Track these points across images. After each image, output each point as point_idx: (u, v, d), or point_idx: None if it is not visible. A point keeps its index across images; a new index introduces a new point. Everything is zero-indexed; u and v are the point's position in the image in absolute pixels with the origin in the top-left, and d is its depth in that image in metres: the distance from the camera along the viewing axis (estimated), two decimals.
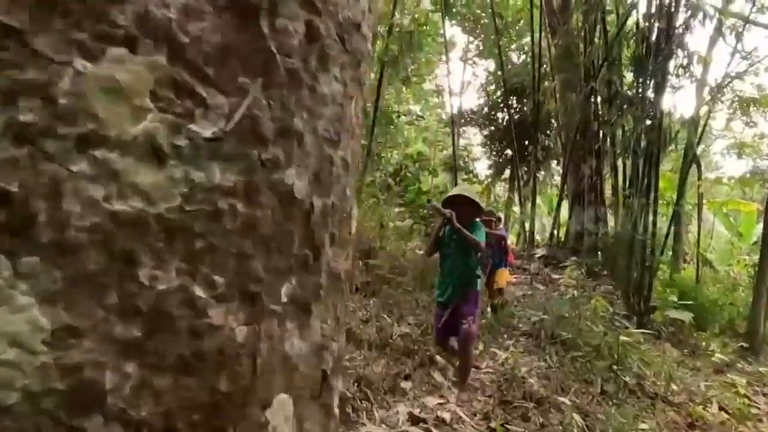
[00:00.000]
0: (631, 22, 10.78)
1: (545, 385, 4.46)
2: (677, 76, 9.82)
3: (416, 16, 10.02)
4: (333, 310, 0.77)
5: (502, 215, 13.42)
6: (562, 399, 4.28)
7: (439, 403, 3.75)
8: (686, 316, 5.75)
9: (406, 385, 3.91)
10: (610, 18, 11.50)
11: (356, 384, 3.51)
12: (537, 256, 11.53)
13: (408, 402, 3.68)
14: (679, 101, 54.22)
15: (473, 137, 23.96)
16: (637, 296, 9.10)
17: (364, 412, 3.32)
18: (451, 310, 3.91)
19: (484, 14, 17.78)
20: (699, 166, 12.39)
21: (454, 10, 15.84)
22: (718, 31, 11.74)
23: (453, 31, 22.58)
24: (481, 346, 5.68)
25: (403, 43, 7.96)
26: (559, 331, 5.90)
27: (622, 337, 5.40)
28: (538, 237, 15.48)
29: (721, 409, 5.12)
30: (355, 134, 0.82)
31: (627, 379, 5.15)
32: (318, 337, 0.73)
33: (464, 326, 3.84)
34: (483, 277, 4.72)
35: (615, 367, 5.18)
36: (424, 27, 11.65)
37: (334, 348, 0.77)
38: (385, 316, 5.04)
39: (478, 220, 3.97)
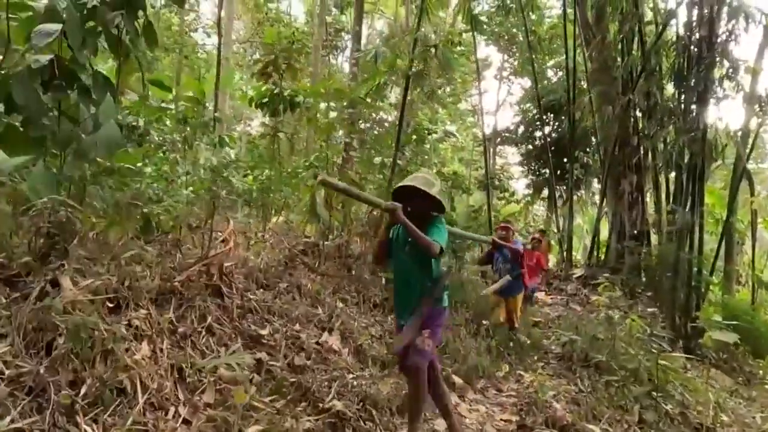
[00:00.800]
0: (670, 31, 10.36)
1: (573, 411, 4.11)
2: (721, 86, 9.31)
3: (449, 36, 9.93)
4: None
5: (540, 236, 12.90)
6: (591, 427, 3.93)
7: None
8: (731, 338, 5.25)
9: None
10: (648, 28, 11.09)
11: (360, 403, 3.29)
12: (575, 276, 11.02)
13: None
14: (726, 113, 50.75)
15: (511, 156, 23.61)
16: (684, 318, 8.51)
17: None
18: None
19: (519, 32, 17.61)
20: (751, 182, 11.65)
21: (486, 28, 15.75)
22: (767, 39, 11.14)
23: (489, 50, 22.55)
24: (506, 368, 5.36)
25: (428, 57, 7.84)
26: (592, 354, 5.51)
27: (662, 361, 4.96)
28: (579, 257, 14.88)
29: None
30: None
31: (669, 407, 4.72)
32: None
33: (417, 343, 2.88)
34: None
35: (655, 393, 4.75)
36: (458, 46, 11.55)
37: None
38: None
39: (438, 216, 3.01)
